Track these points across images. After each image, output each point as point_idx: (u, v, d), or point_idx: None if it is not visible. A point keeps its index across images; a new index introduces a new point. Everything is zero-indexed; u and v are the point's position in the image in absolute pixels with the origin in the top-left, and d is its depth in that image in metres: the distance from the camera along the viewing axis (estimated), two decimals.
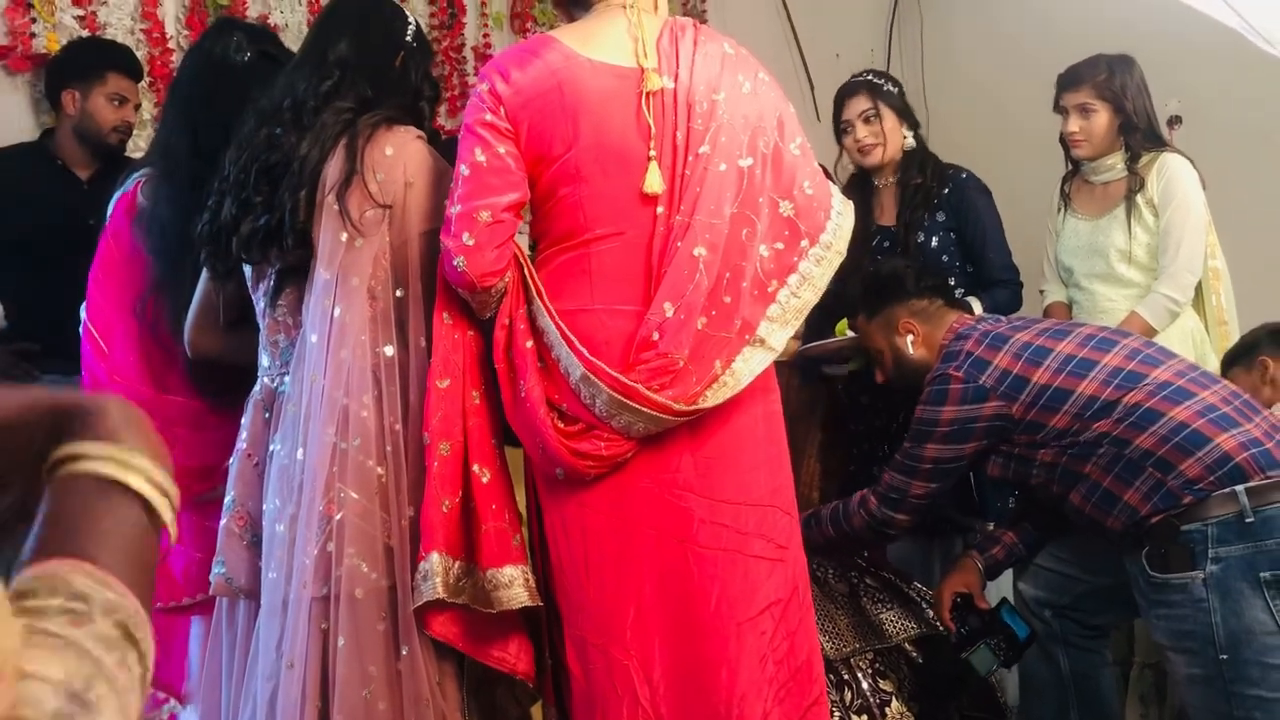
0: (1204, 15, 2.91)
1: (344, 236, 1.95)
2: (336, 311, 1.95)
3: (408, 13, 2.19)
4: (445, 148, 2.11)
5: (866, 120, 3.15)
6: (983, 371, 2.37)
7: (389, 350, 1.96)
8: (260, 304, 2.10)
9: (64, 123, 3.10)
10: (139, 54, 3.25)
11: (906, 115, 3.19)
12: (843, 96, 3.23)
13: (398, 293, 1.98)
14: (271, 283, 2.06)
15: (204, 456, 2.22)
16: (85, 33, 3.25)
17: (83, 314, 2.37)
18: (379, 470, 1.93)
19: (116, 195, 2.41)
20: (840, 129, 3.23)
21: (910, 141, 3.17)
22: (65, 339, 2.42)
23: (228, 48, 2.29)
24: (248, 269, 2.10)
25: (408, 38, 2.13)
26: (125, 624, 0.67)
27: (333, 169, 1.97)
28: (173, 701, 2.34)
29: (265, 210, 1.98)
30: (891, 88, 3.19)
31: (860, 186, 3.26)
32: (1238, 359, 2.76)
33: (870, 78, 3.23)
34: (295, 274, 2.03)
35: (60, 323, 2.45)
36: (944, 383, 2.41)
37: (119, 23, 3.30)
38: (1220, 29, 2.92)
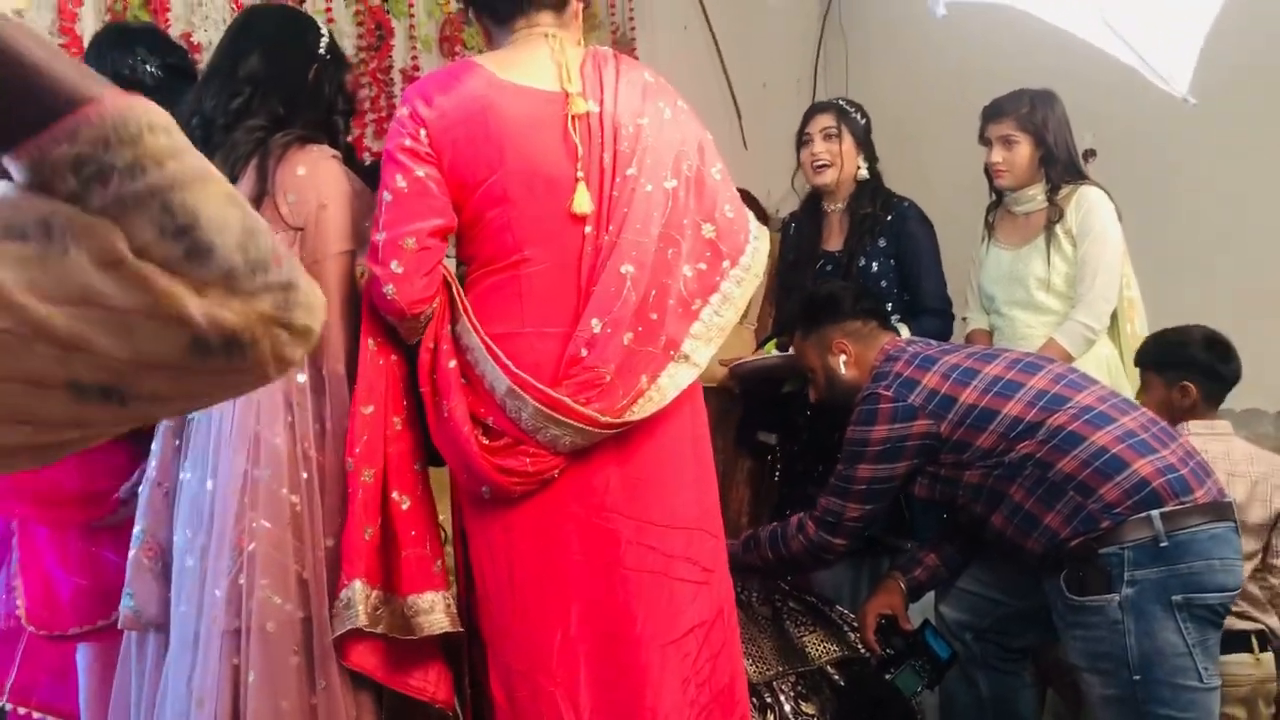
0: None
1: None
2: None
3: (321, 24, 2.16)
4: (368, 173, 2.08)
5: (827, 137, 3.23)
6: (911, 391, 2.40)
7: (301, 377, 1.92)
8: None
9: None
10: None
11: (866, 146, 3.27)
12: (811, 112, 3.34)
13: None
14: None
15: (93, 481, 2.13)
16: None
17: None
18: (293, 499, 1.89)
19: None
20: (801, 141, 3.31)
21: (864, 173, 3.25)
22: None
23: (134, 66, 2.22)
24: None
25: (321, 50, 2.09)
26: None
27: (242, 189, 1.92)
28: None
29: None
30: (859, 117, 3.28)
31: (812, 212, 3.34)
32: (1165, 367, 2.78)
33: (842, 102, 3.33)
34: None
35: None
36: (873, 402, 2.43)
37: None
38: (1131, 66, 2.99)
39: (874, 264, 3.19)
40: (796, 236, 3.37)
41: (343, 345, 1.95)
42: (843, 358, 2.63)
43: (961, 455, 2.36)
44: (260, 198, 1.91)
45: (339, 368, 1.95)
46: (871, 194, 3.25)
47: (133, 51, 2.27)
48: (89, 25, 3.30)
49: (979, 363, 2.43)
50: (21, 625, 2.16)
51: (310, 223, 1.94)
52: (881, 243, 3.20)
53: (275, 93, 2.00)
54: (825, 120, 3.26)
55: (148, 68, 2.22)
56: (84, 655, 2.22)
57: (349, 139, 3.85)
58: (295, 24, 2.13)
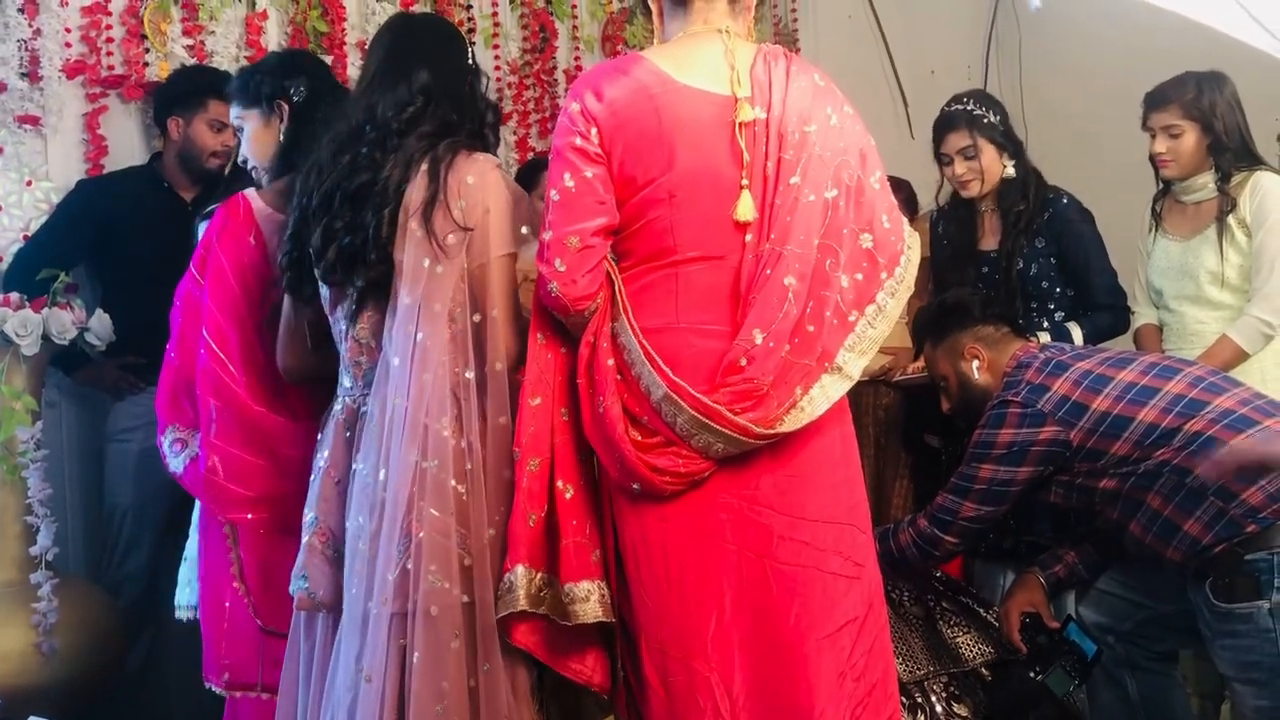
0: None
1: (426, 262, 2.02)
2: (419, 336, 2.01)
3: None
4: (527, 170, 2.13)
5: (965, 157, 3.13)
6: (1041, 397, 2.39)
7: (469, 374, 2.03)
8: (340, 326, 2.17)
9: (169, 147, 3.27)
10: None
11: (1007, 144, 3.14)
12: (941, 129, 3.19)
13: (475, 317, 2.04)
14: (352, 303, 2.13)
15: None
16: (194, 61, 3.40)
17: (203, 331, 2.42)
18: (460, 488, 1.99)
19: (207, 214, 2.56)
20: (939, 158, 3.22)
21: (1010, 171, 3.13)
22: None
23: (292, 89, 2.40)
24: (325, 291, 2.17)
25: (470, 61, 2.20)
26: None
27: (415, 192, 2.04)
28: None
29: (348, 232, 2.06)
30: (992, 117, 3.14)
31: (965, 208, 3.25)
32: None
33: (970, 107, 3.16)
34: (375, 292, 2.10)
35: (165, 337, 2.56)
36: (1003, 407, 2.44)
37: (225, 50, 3.45)
38: None
39: (1032, 266, 3.11)
40: (949, 233, 3.29)
41: (505, 343, 2.05)
42: (975, 363, 2.61)
43: (1096, 463, 2.34)
44: (433, 200, 2.03)
45: (498, 366, 2.04)
46: (1022, 188, 3.13)
47: (295, 79, 2.45)
48: (273, 38, 3.52)
49: (1112, 369, 2.39)
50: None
51: (479, 225, 2.05)
52: (1040, 243, 3.11)
53: (444, 104, 2.12)
54: (959, 140, 3.12)
55: (297, 95, 2.39)
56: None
57: (515, 140, 4.02)
58: (454, 37, 2.25)
